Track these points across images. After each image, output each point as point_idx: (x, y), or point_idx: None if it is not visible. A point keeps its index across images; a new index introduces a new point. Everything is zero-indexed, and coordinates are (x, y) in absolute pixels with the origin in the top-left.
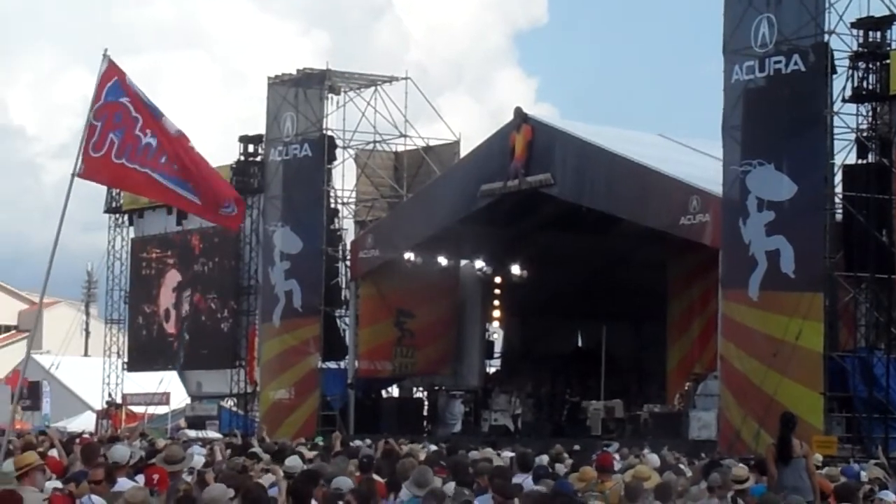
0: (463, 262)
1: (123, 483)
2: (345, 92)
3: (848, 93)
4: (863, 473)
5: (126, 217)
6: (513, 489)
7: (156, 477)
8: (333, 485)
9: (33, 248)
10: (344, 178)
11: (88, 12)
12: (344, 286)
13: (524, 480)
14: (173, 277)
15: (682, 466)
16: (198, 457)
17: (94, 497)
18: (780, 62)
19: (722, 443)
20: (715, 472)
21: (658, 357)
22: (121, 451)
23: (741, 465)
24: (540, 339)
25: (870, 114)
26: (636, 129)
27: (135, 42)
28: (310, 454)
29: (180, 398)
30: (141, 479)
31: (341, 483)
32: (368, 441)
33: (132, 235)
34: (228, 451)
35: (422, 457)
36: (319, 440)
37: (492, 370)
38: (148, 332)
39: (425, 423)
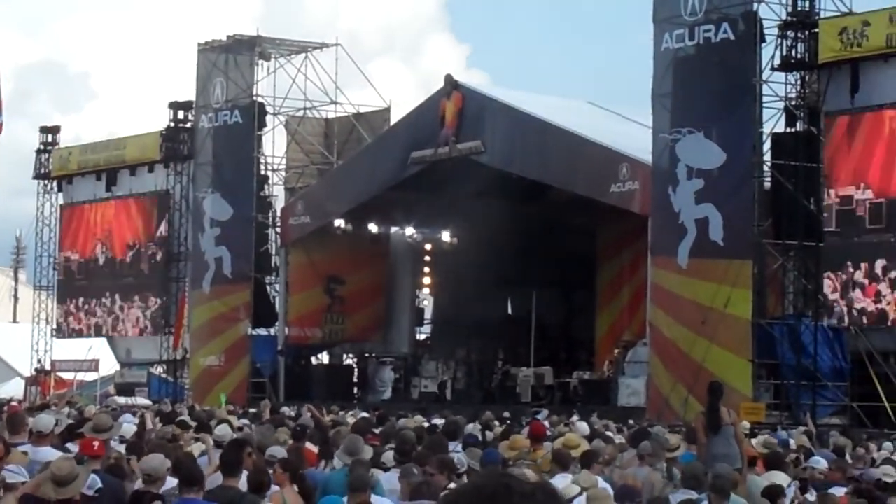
0: (393, 230)
1: (47, 452)
2: (275, 58)
3: (777, 62)
4: (791, 441)
5: (55, 183)
6: (452, 464)
7: (95, 444)
8: (268, 452)
9: None
10: (274, 145)
11: None
12: (274, 253)
13: (453, 449)
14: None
15: (610, 434)
16: (127, 425)
17: (11, 466)
18: (709, 31)
19: (651, 410)
20: (646, 441)
21: (587, 324)
22: (45, 420)
23: (672, 433)
24: (470, 306)
25: (798, 83)
26: (567, 97)
27: (66, 3)
28: (238, 422)
29: (109, 365)
30: (74, 448)
31: (275, 451)
32: (293, 409)
33: (61, 202)
34: (158, 420)
35: (350, 422)
36: (223, 399)
37: (422, 337)
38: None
39: (355, 389)
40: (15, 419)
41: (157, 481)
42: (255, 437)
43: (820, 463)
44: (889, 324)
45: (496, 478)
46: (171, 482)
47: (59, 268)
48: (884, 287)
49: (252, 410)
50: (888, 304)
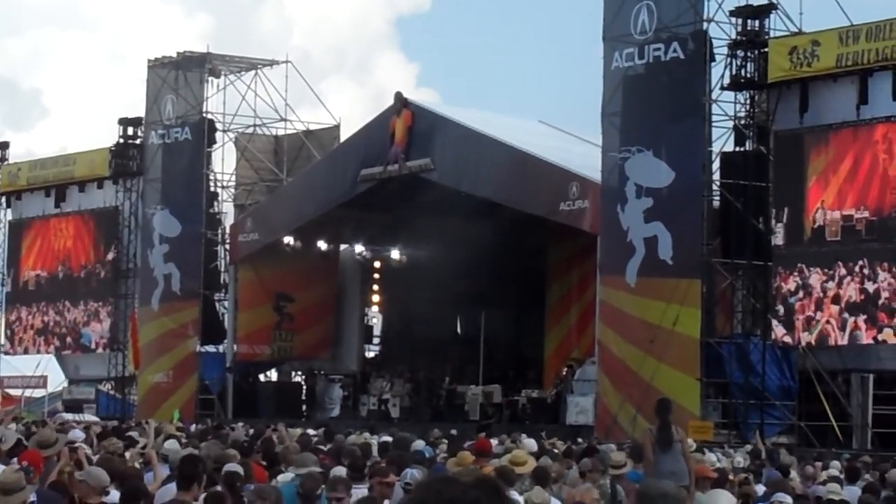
0: (343, 247)
1: None
2: (225, 75)
3: (726, 81)
4: (738, 457)
5: (3, 199)
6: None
7: (24, 462)
8: (225, 469)
9: None
10: (224, 162)
11: None
12: (223, 270)
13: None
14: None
15: (556, 451)
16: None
17: None
18: (659, 49)
19: (599, 428)
20: (586, 458)
21: (536, 342)
22: None
23: (618, 450)
24: (419, 323)
25: (747, 102)
26: (517, 115)
27: (14, 21)
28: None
29: (57, 381)
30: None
31: (231, 467)
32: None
33: (9, 217)
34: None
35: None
36: (175, 415)
37: (371, 354)
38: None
39: (303, 407)
40: None
41: (95, 494)
42: (203, 453)
43: (785, 499)
44: (835, 343)
45: (433, 485)
46: (115, 495)
47: (7, 284)
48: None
49: (201, 426)
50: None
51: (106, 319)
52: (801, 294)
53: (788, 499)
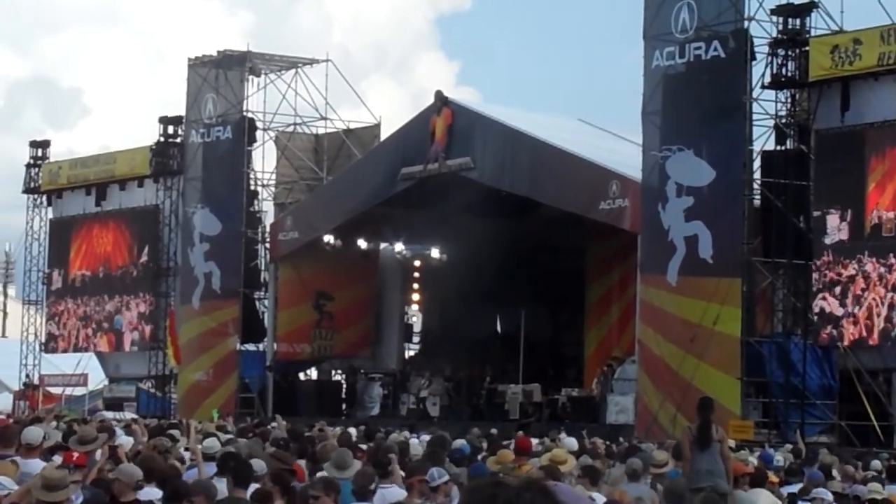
0: (382, 246)
1: (36, 465)
2: (265, 74)
3: (767, 79)
4: (778, 456)
5: (44, 197)
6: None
7: (75, 455)
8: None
9: None
10: (264, 161)
11: None
12: (263, 268)
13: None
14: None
15: (598, 451)
16: (125, 438)
17: (1, 478)
18: (699, 48)
19: (639, 427)
20: (634, 457)
21: (576, 341)
22: (33, 433)
23: (661, 449)
24: (459, 322)
25: (788, 100)
26: (557, 114)
27: (56, 20)
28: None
29: (98, 379)
30: (59, 459)
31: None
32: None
33: (51, 216)
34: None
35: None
36: (215, 414)
37: (410, 353)
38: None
39: (343, 406)
40: (6, 432)
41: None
42: (244, 451)
43: (827, 496)
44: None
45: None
46: (149, 492)
47: (48, 282)
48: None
49: (241, 425)
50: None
51: (135, 308)
52: (857, 276)
53: (829, 495)
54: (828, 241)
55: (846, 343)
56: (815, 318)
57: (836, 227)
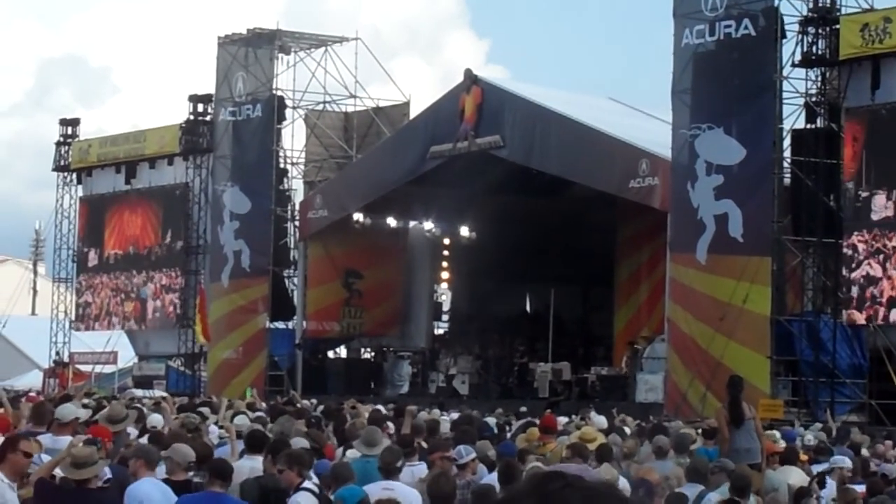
0: (412, 224)
1: (66, 441)
2: (295, 52)
3: (797, 58)
4: (808, 435)
5: (74, 175)
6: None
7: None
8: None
9: None
10: (293, 139)
11: None
12: (292, 246)
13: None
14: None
15: (626, 429)
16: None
17: (44, 456)
18: (730, 26)
19: (668, 405)
20: (661, 435)
21: (606, 320)
22: (66, 410)
23: (688, 428)
24: (488, 301)
25: (819, 79)
26: (586, 92)
27: None
28: (253, 414)
29: (128, 357)
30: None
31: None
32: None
33: (80, 194)
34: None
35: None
36: (248, 392)
37: (440, 332)
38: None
39: (372, 384)
40: (40, 410)
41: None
42: (276, 429)
43: (845, 462)
44: None
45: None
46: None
47: (78, 260)
48: None
49: (271, 403)
50: None
51: (159, 281)
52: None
53: (847, 462)
54: (875, 217)
55: (879, 321)
56: (856, 287)
57: (882, 206)
